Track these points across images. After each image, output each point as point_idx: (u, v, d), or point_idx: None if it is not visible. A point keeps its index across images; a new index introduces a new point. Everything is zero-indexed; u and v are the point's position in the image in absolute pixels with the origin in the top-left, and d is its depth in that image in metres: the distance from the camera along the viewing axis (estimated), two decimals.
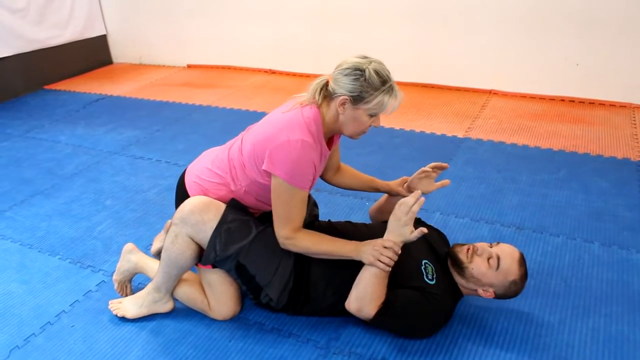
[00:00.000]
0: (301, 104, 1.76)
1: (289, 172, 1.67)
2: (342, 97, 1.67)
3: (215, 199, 1.86)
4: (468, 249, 1.82)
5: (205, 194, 1.88)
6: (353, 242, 1.77)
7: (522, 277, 1.80)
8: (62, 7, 5.22)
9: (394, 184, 2.09)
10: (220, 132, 3.74)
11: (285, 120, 1.72)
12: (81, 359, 1.82)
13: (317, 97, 1.74)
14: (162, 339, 1.89)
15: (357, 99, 1.66)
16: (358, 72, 1.64)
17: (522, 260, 1.81)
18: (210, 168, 1.92)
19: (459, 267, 1.82)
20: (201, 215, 1.77)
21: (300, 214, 1.76)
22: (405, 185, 2.03)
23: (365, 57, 1.69)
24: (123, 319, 1.99)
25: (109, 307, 2.02)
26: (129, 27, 5.71)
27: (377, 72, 1.65)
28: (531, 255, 2.25)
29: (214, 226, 1.76)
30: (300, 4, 4.74)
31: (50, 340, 1.92)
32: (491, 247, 1.82)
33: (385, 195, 2.14)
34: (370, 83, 1.64)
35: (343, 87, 1.66)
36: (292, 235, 1.75)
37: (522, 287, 1.82)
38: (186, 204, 1.80)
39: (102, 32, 5.74)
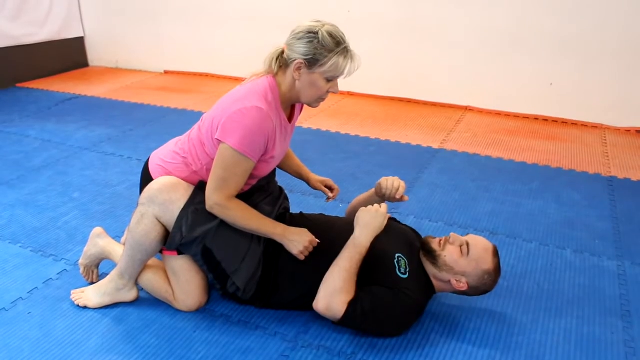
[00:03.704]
0: (257, 75, 1.74)
1: (240, 139, 1.63)
2: (297, 62, 1.64)
3: None
4: (441, 240, 1.82)
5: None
6: (283, 226, 1.76)
7: (496, 269, 1.77)
8: (40, 6, 5.15)
9: (313, 177, 2.13)
10: None
11: (242, 92, 1.70)
12: (36, 345, 1.73)
13: (273, 67, 1.71)
14: (124, 327, 1.81)
15: (312, 63, 1.63)
16: (311, 35, 1.62)
17: (495, 251, 1.79)
18: (174, 150, 1.87)
19: (432, 255, 1.79)
20: (169, 194, 1.71)
21: (239, 183, 1.70)
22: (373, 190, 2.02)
23: (319, 21, 1.68)
24: (84, 308, 1.90)
25: (71, 297, 1.94)
26: (107, 30, 5.66)
27: (330, 34, 1.63)
28: (504, 258, 2.24)
29: (182, 206, 1.71)
30: (279, 16, 4.75)
31: (4, 326, 1.82)
32: (463, 237, 1.81)
33: (363, 195, 2.11)
34: (324, 45, 1.62)
35: (297, 51, 1.64)
36: (224, 203, 1.69)
37: (495, 282, 1.79)
38: (154, 183, 1.75)
39: (80, 34, 5.67)
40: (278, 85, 1.72)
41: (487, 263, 1.75)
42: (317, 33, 1.62)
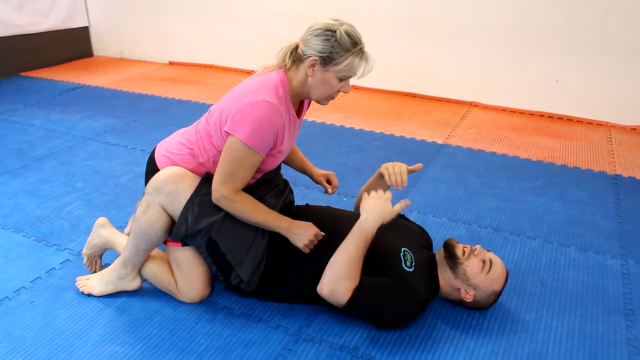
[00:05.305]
0: (269, 69, 1.73)
1: (249, 132, 1.62)
2: (311, 58, 1.63)
3: None
4: (465, 247, 1.81)
5: None
6: (289, 219, 1.76)
7: (500, 293, 1.83)
8: None
9: (316, 171, 2.13)
10: None
11: (252, 85, 1.69)
12: (39, 335, 1.73)
13: (286, 61, 1.70)
14: (126, 317, 1.82)
15: (327, 60, 1.63)
16: (329, 33, 1.61)
17: (507, 277, 1.85)
18: (180, 141, 1.87)
19: (454, 261, 1.79)
20: (176, 184, 1.71)
21: (246, 177, 1.70)
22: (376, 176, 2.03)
23: (337, 20, 1.67)
24: (87, 297, 1.90)
25: (76, 284, 1.95)
26: (112, 20, 5.64)
27: (348, 34, 1.62)
28: (508, 256, 2.24)
29: (188, 197, 1.70)
30: (285, 8, 4.73)
31: (7, 315, 1.82)
32: (487, 252, 1.83)
33: (368, 181, 2.11)
34: (341, 44, 1.61)
35: (313, 47, 1.63)
36: (231, 196, 1.68)
37: (493, 304, 1.86)
38: (161, 173, 1.74)
39: (85, 24, 5.65)
40: (289, 81, 1.71)
41: (499, 285, 1.80)
42: (335, 32, 1.61)
